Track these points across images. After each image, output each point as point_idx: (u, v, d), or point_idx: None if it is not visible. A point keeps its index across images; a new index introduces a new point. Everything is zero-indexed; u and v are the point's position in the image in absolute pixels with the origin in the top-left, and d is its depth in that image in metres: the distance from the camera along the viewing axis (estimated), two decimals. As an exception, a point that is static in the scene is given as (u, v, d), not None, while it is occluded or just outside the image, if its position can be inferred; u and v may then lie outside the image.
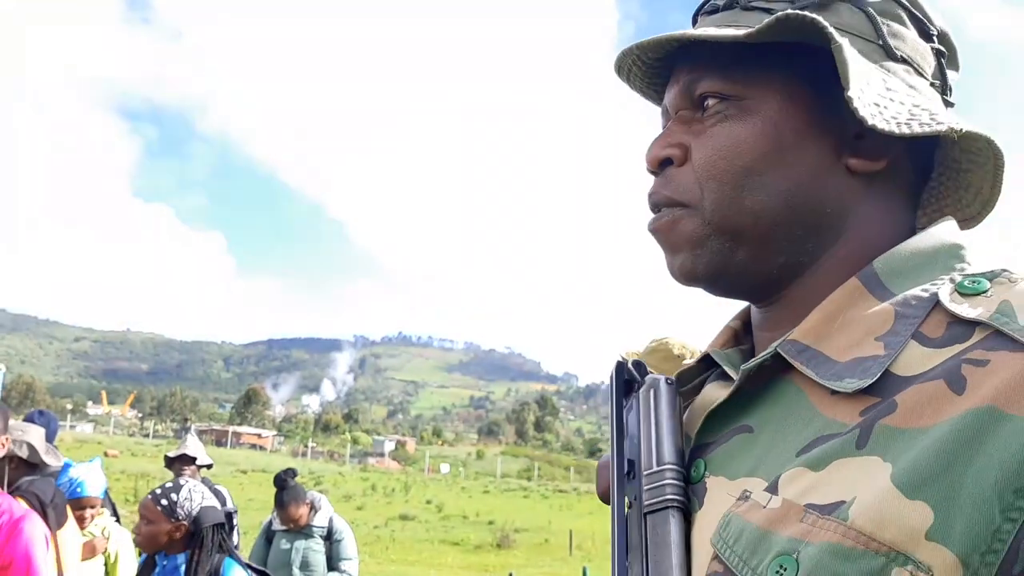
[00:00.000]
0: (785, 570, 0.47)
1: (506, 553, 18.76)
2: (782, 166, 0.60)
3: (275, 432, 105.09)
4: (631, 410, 0.66)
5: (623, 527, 0.62)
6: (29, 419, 4.99)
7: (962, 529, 0.42)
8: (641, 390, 0.64)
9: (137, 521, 2.85)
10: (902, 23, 0.63)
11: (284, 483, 4.60)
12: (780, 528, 0.49)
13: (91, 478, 3.82)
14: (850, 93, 0.55)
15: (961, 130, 0.57)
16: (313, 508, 4.64)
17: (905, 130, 0.56)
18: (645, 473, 0.60)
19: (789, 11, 0.57)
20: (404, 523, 23.77)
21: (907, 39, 0.63)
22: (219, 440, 72.23)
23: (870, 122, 0.55)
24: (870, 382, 0.51)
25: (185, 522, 2.78)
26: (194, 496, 2.85)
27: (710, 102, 0.63)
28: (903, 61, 0.62)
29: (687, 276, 0.64)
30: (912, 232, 0.62)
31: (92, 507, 3.77)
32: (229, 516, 4.93)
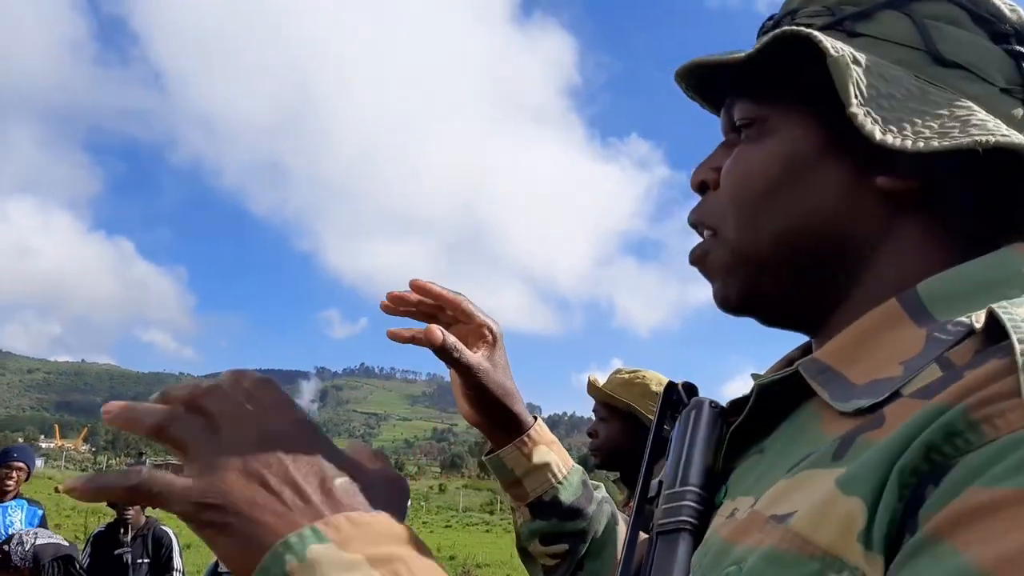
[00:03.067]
0: None
1: (468, 589, 18.58)
2: (801, 188, 0.58)
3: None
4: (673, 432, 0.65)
5: (632, 548, 0.62)
6: (5, 454, 4.93)
7: (885, 522, 0.41)
8: (683, 412, 0.64)
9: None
10: (960, 26, 0.58)
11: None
12: (741, 539, 0.49)
13: (4, 520, 3.79)
14: (852, 109, 0.52)
15: (988, 142, 0.51)
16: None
17: (920, 145, 0.51)
18: (665, 493, 0.59)
19: (785, 28, 0.56)
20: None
21: (965, 43, 0.58)
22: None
23: (878, 138, 0.52)
24: (872, 403, 0.48)
25: (25, 566, 2.80)
26: (25, 539, 2.87)
27: (743, 125, 0.62)
28: (957, 66, 0.57)
29: (723, 305, 0.63)
30: (967, 257, 0.55)
31: None
32: (169, 554, 4.86)
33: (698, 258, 0.64)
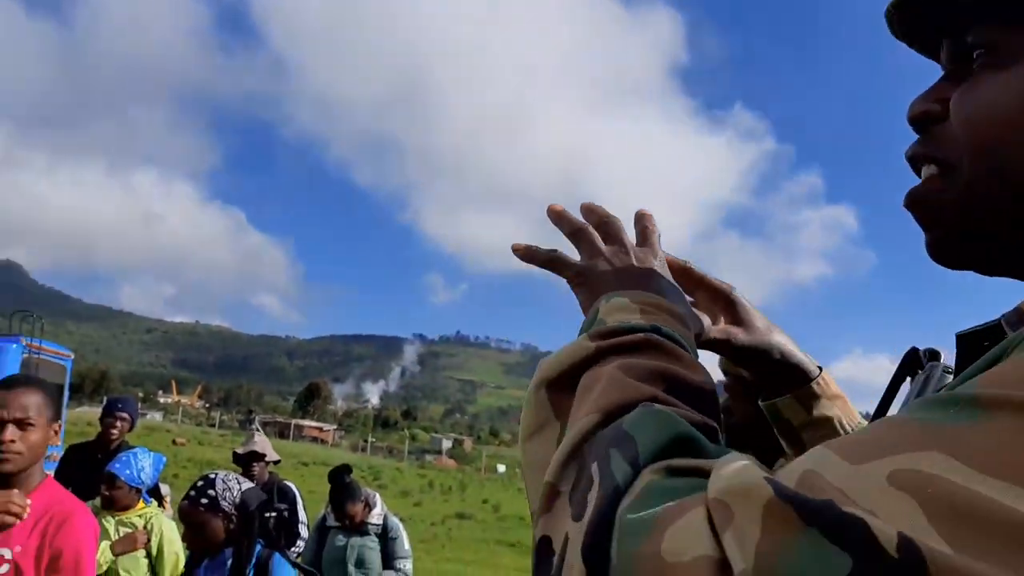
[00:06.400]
0: None
1: (561, 557, 18.57)
2: None
3: (336, 426, 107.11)
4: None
5: None
6: (110, 404, 5.11)
7: None
8: (918, 375, 0.63)
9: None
10: None
11: (340, 480, 4.52)
12: None
13: (133, 463, 3.79)
14: None
15: None
16: (368, 505, 4.57)
17: None
18: None
19: None
20: (461, 522, 23.79)
21: None
22: (282, 432, 73.95)
23: None
24: None
25: (233, 512, 2.70)
26: (230, 483, 2.76)
27: (976, 54, 0.54)
28: None
29: (941, 254, 0.57)
30: None
31: (114, 487, 3.71)
32: (292, 510, 4.93)
33: (919, 198, 0.57)
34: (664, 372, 0.52)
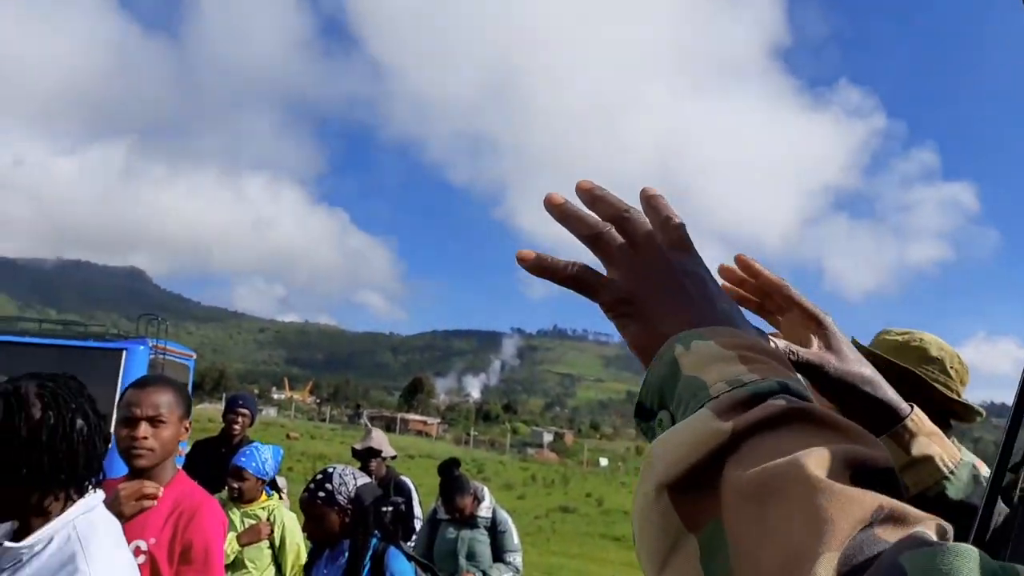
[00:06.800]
0: None
1: (668, 551, 18.29)
2: None
3: (439, 420, 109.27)
4: None
5: (988, 517, 0.60)
6: (232, 401, 5.35)
7: None
8: None
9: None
10: None
11: (449, 473, 4.56)
12: None
13: (257, 456, 3.92)
14: None
15: None
16: (477, 499, 4.60)
17: None
18: None
19: None
20: (564, 515, 23.78)
21: None
22: (388, 426, 76.01)
23: None
24: None
25: (349, 506, 2.76)
26: (346, 478, 2.82)
27: None
28: None
29: None
30: None
31: (242, 480, 3.84)
32: (409, 504, 5.03)
33: None
34: (848, 459, 0.39)
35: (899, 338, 2.06)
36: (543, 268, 0.56)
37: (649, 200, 0.59)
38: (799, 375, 0.65)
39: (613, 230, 0.56)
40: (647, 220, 0.57)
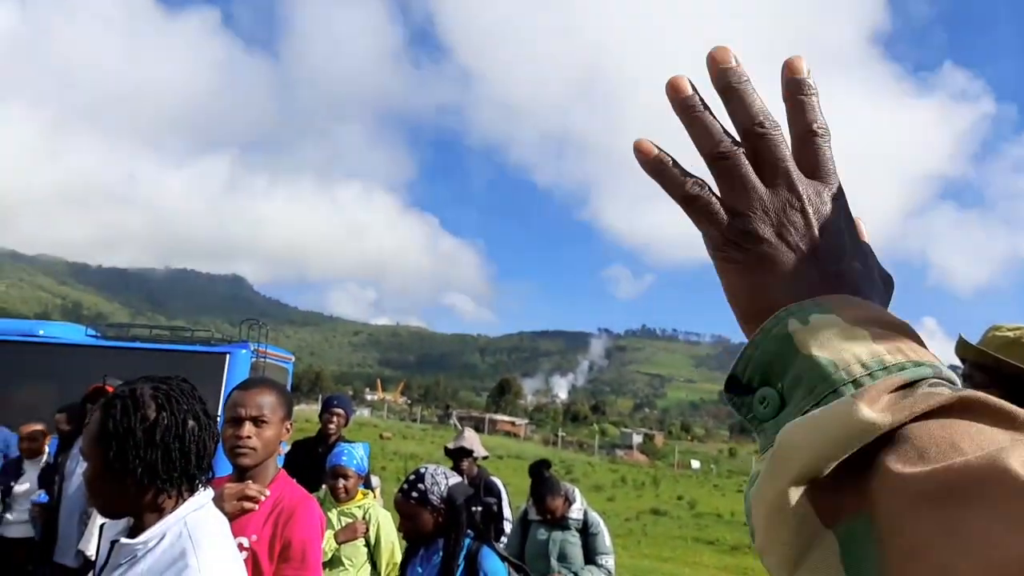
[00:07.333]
0: None
1: (765, 557, 17.77)
2: None
3: (527, 421, 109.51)
4: None
5: None
6: (328, 402, 5.52)
7: None
8: None
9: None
10: None
11: (540, 474, 4.56)
12: None
13: (355, 453, 4.00)
14: None
15: None
16: (568, 500, 4.58)
17: None
18: None
19: None
20: (656, 518, 23.44)
21: None
22: (477, 426, 76.66)
23: None
24: None
25: (441, 505, 2.79)
26: (438, 478, 2.85)
27: None
28: None
29: None
30: None
31: (347, 478, 3.92)
32: (499, 504, 5.06)
33: None
34: None
35: (1011, 334, 1.94)
36: (658, 171, 0.47)
37: (794, 89, 0.48)
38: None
39: (742, 151, 0.46)
40: (784, 141, 0.47)
